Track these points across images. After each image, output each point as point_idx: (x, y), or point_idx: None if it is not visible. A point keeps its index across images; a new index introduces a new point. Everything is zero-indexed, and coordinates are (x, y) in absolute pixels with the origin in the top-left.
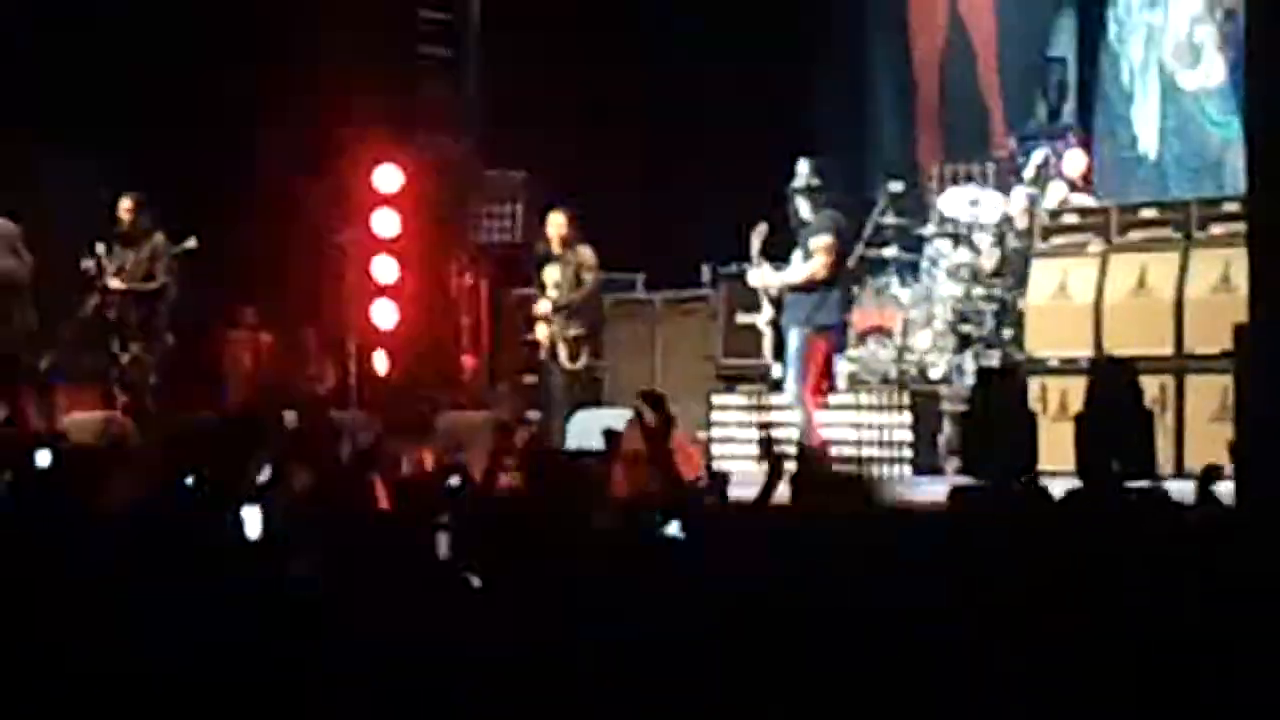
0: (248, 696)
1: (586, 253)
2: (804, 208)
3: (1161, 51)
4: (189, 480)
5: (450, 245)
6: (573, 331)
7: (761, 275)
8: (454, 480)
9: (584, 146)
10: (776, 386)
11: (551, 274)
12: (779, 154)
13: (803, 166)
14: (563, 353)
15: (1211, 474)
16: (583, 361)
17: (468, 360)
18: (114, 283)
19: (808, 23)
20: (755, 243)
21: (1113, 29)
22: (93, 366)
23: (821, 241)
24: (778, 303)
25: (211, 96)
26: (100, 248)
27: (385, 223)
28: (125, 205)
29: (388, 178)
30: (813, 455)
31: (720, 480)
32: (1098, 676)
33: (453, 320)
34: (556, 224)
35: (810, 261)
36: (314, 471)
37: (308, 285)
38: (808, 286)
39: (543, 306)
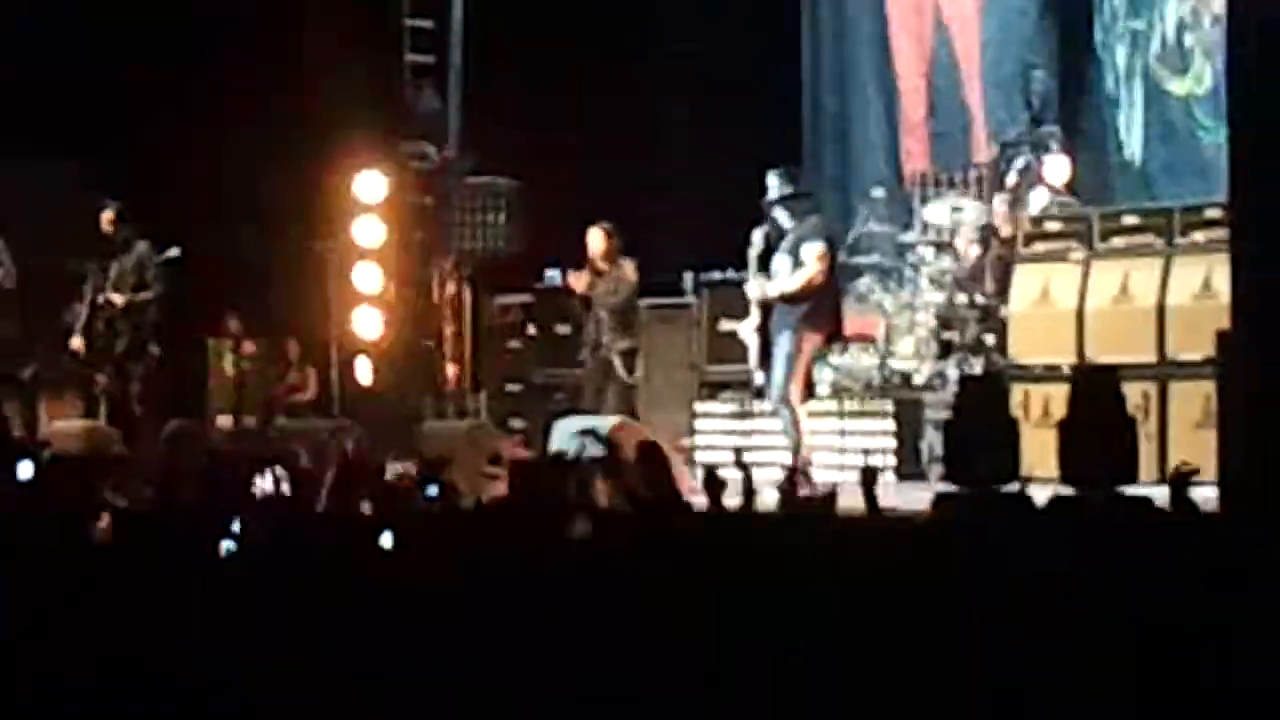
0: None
1: (628, 266)
2: (783, 217)
3: (1148, 58)
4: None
5: (434, 253)
6: (624, 344)
7: (760, 286)
8: (432, 489)
9: (566, 154)
10: (759, 394)
11: (598, 289)
12: (764, 161)
13: (772, 179)
14: (619, 367)
15: (1183, 475)
16: (638, 374)
17: (451, 369)
18: (113, 296)
19: (793, 31)
20: (754, 249)
21: (1098, 35)
22: (76, 375)
23: (815, 249)
24: (767, 308)
25: (194, 104)
26: (93, 262)
27: (368, 231)
28: (107, 216)
29: (371, 185)
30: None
31: (716, 486)
32: (1086, 681)
33: (436, 329)
34: (596, 239)
35: (804, 269)
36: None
37: (290, 294)
38: (803, 294)
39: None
